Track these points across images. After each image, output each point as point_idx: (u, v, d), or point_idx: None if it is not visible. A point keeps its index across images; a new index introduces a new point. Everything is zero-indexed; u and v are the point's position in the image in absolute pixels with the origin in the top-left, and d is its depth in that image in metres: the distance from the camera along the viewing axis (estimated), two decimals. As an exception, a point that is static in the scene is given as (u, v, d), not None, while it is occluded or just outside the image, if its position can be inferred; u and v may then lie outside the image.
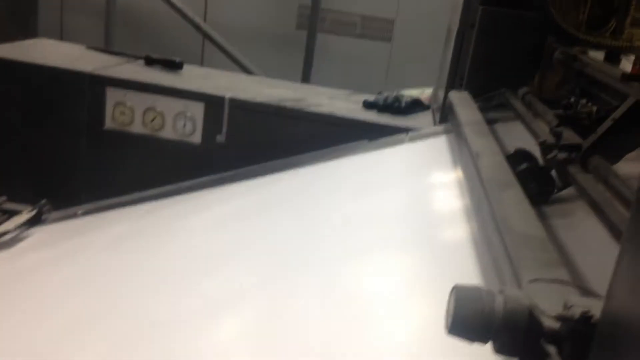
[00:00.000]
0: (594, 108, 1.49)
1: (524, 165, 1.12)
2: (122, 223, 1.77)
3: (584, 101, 1.59)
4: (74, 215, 1.85)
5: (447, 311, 0.54)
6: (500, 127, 1.59)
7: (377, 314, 0.93)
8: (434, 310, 0.87)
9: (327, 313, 0.97)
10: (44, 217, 1.83)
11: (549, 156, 1.08)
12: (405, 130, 1.93)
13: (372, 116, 2.06)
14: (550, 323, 0.52)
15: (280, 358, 0.87)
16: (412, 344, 0.82)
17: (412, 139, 1.83)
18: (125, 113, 1.98)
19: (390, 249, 1.15)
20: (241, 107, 2.00)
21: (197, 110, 2.00)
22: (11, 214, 1.81)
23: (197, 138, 2.02)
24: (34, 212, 1.79)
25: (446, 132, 1.74)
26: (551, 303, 0.55)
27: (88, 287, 1.32)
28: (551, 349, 0.52)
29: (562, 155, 1.06)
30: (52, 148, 2.06)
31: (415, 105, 2.13)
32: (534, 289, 0.57)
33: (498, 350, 0.53)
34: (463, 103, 1.57)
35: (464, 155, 1.23)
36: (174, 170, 2.04)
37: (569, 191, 1.08)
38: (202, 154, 2.02)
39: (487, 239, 0.84)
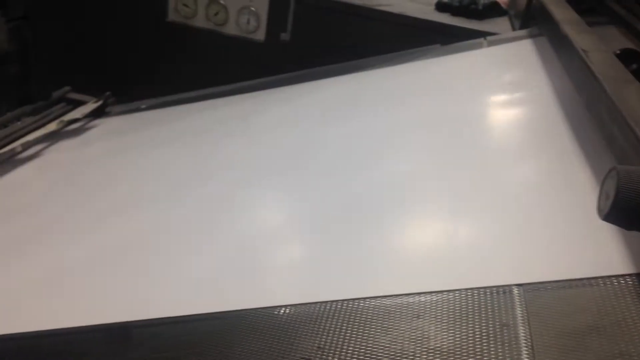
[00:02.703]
0: None
1: (634, 66, 1.02)
2: (183, 119, 1.74)
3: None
4: (137, 109, 1.83)
5: (603, 194, 0.47)
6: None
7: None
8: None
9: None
10: (108, 109, 1.82)
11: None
12: (482, 34, 1.80)
13: (445, 18, 1.93)
14: None
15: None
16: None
17: (491, 44, 1.71)
18: (188, 5, 1.90)
19: (485, 148, 1.08)
20: (308, 4, 1.90)
21: (261, 5, 1.90)
22: (75, 104, 1.80)
23: (260, 35, 1.93)
24: (99, 103, 1.77)
25: (531, 36, 1.61)
26: None
27: (153, 174, 1.33)
28: None
29: (684, 55, 0.96)
30: (113, 39, 2.01)
31: (493, 9, 1.98)
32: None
33: (658, 241, 0.47)
34: (556, 2, 1.44)
35: (565, 54, 1.12)
36: (236, 68, 1.98)
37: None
38: (265, 52, 1.95)
39: (608, 136, 0.76)
